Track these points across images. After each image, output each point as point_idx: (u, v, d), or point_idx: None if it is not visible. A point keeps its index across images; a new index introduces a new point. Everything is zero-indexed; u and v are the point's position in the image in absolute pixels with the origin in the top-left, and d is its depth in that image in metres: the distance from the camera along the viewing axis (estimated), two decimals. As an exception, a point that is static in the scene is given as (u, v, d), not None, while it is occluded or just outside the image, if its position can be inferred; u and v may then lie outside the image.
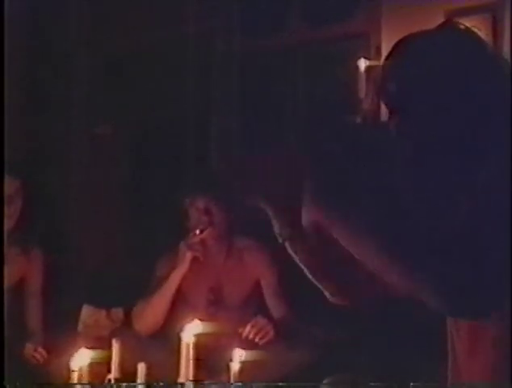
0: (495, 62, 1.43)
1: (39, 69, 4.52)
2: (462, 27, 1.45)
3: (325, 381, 2.22)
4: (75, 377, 2.28)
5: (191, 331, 2.42)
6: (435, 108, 1.38)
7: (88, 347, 2.39)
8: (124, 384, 2.50)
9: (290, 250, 1.48)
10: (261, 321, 3.16)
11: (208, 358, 2.86)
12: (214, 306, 3.25)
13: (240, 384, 2.42)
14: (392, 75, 1.43)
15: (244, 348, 2.59)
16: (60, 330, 3.28)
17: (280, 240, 1.48)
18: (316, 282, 1.50)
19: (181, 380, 2.38)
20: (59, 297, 3.48)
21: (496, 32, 3.60)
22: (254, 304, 3.30)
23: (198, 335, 2.42)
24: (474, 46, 1.42)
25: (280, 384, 2.44)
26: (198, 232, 3.23)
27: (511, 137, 1.32)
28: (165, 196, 4.06)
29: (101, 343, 2.76)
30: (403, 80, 1.41)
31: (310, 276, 1.51)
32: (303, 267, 1.49)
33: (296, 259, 1.49)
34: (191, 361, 2.38)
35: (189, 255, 3.24)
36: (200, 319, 2.55)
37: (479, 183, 1.30)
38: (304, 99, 4.43)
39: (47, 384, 2.89)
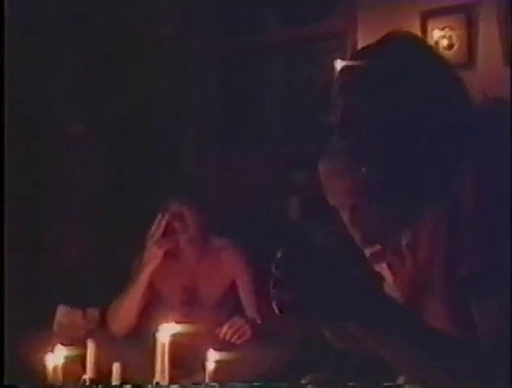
0: (444, 71, 1.44)
1: (16, 68, 4.49)
2: (409, 36, 1.48)
3: (302, 381, 2.21)
4: (50, 377, 2.27)
5: (167, 331, 2.41)
6: (381, 117, 1.41)
7: (63, 347, 2.37)
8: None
9: None
10: (238, 321, 3.16)
11: (184, 358, 2.86)
12: (188, 306, 3.24)
13: (216, 384, 2.41)
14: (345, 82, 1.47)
15: (221, 348, 2.58)
16: (36, 329, 3.26)
17: None
18: None
19: (156, 380, 2.37)
20: (34, 297, 3.46)
21: (470, 32, 3.63)
22: (230, 304, 3.29)
23: (173, 335, 2.41)
24: (420, 55, 1.44)
25: (256, 384, 2.44)
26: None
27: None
28: (139, 197, 4.05)
29: (76, 343, 2.74)
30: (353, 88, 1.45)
31: None
32: None
33: None
34: (167, 361, 2.37)
35: (157, 252, 3.21)
36: (175, 319, 2.54)
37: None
38: (281, 99, 4.44)
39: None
